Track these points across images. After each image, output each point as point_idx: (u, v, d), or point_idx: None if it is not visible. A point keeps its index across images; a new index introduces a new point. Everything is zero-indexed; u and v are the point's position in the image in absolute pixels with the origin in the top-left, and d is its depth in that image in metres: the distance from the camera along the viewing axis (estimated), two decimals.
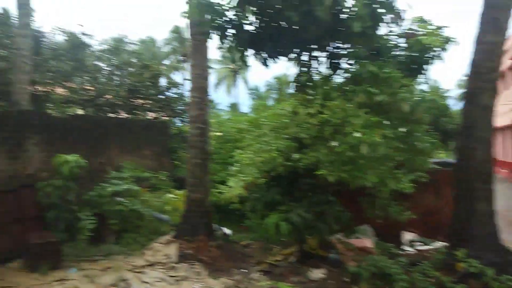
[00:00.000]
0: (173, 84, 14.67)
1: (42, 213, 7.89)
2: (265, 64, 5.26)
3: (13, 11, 11.82)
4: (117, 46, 12.58)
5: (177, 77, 30.40)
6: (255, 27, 4.97)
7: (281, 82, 41.54)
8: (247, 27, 4.98)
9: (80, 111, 13.33)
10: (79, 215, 7.84)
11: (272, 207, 5.43)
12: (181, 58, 48.78)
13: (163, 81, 15.02)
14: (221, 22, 4.93)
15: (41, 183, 7.78)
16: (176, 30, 47.06)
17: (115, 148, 10.02)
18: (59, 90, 12.88)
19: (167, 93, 14.49)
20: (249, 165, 5.39)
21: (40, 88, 11.66)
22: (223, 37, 5.13)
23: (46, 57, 11.42)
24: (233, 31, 5.02)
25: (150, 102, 13.76)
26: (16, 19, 9.86)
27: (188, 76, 16.78)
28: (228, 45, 5.25)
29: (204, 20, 4.98)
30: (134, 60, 13.06)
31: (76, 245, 7.69)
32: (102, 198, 8.30)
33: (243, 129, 8.35)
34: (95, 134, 9.47)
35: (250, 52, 5.22)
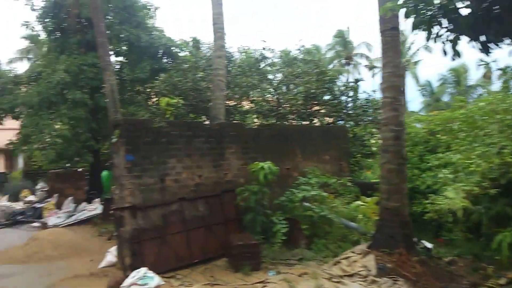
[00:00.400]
0: (347, 88, 14.37)
1: (240, 216, 8.59)
2: (485, 50, 4.41)
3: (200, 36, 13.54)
4: (293, 57, 13.03)
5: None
6: (473, 9, 4.20)
7: (458, 74, 36.64)
8: (462, 11, 4.25)
9: (259, 121, 14.34)
10: (273, 219, 8.20)
11: (501, 221, 4.48)
12: (345, 61, 48.28)
13: (336, 86, 14.86)
14: (428, 11, 4.33)
15: (239, 188, 8.46)
16: (339, 34, 46.85)
17: (298, 154, 10.26)
18: (244, 103, 14.09)
19: (341, 98, 14.30)
20: (470, 172, 4.58)
21: (230, 102, 12.97)
22: (430, 28, 4.50)
23: (234, 73, 12.61)
24: (444, 19, 4.35)
25: (326, 107, 13.79)
26: (212, 42, 11.12)
27: (352, 78, 16.24)
28: (435, 36, 4.58)
29: (405, 12, 4.45)
30: (309, 69, 13.29)
31: (271, 247, 8.05)
32: (292, 203, 8.52)
33: (442, 130, 7.36)
34: (280, 141, 9.87)
35: (464, 39, 4.46)
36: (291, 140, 10.16)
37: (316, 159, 10.68)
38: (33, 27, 13.78)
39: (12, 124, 15.58)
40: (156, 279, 6.46)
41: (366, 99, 14.30)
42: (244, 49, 13.72)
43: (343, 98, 14.23)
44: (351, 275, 6.39)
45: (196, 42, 17.11)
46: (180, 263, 7.39)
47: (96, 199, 13.53)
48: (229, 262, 7.60)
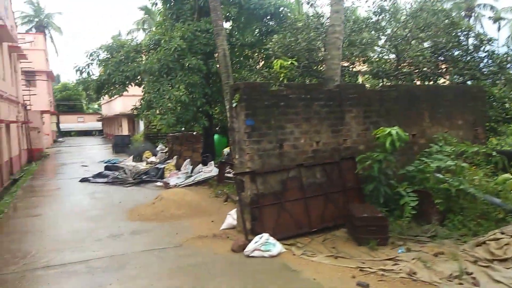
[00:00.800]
0: (482, 42, 12.28)
1: (360, 185, 8.00)
2: None
3: None
4: (419, 7, 11.41)
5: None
6: None
7: None
8: None
9: (372, 82, 13.16)
10: (400, 191, 7.44)
11: None
12: (464, 13, 42.73)
13: (468, 40, 12.82)
14: None
15: (360, 156, 7.81)
16: None
17: (426, 118, 9.14)
18: (359, 62, 13.01)
19: (474, 53, 12.32)
20: None
21: (342, 63, 12.05)
22: None
23: (348, 31, 11.58)
24: None
25: (455, 64, 12.03)
26: None
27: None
28: None
29: None
30: (437, 20, 11.57)
31: (395, 221, 7.37)
32: (422, 174, 7.62)
33: None
34: (406, 104, 8.85)
35: None
36: (418, 103, 9.06)
37: (448, 124, 9.42)
38: None
39: (134, 91, 16.86)
40: (278, 246, 6.32)
41: (506, 54, 12.13)
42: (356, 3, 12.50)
43: (476, 53, 12.24)
44: (503, 260, 5.43)
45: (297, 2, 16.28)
46: (298, 231, 7.18)
47: (211, 162, 14.09)
48: (350, 233, 7.14)
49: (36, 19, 50.35)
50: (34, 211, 10.08)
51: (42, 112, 28.97)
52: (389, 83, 12.01)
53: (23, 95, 23.68)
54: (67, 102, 59.59)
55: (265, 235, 6.44)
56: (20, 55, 21.65)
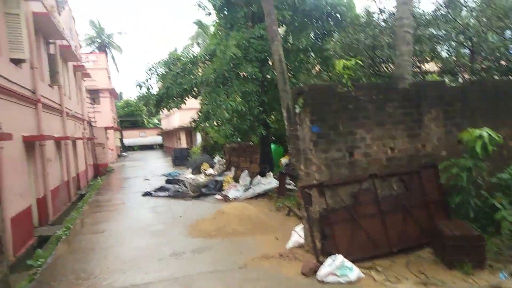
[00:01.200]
0: None
1: (443, 197, 7.01)
2: None
3: None
4: None
5: None
6: None
7: None
8: None
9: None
10: (494, 203, 6.38)
11: None
12: None
13: None
14: None
15: (443, 163, 6.84)
16: None
17: None
18: (426, 59, 11.90)
19: None
20: None
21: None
22: None
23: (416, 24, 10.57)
24: None
25: None
26: None
27: None
28: None
29: None
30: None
31: (491, 239, 6.31)
32: None
33: None
34: (492, 102, 7.71)
35: None
36: (506, 100, 7.86)
37: None
38: (205, 6, 14.30)
39: (190, 104, 16.86)
40: (356, 271, 5.56)
41: None
42: None
43: None
44: None
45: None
46: (376, 252, 6.35)
47: (269, 172, 13.54)
48: (437, 255, 6.19)
49: (98, 40, 53.50)
50: (99, 227, 10.13)
51: (106, 128, 30.27)
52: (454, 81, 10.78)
53: (88, 112, 24.83)
54: (129, 118, 62.49)
55: (340, 257, 5.71)
56: (84, 74, 22.72)
